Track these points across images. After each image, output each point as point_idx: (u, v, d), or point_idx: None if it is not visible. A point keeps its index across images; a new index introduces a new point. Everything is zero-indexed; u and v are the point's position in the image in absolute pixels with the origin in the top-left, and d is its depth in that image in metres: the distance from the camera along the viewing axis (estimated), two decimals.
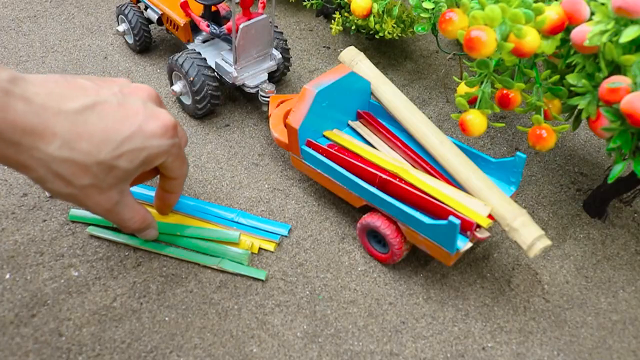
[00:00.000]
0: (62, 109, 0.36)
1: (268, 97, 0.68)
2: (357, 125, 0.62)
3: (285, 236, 0.58)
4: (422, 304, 0.54)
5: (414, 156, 0.57)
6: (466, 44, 0.47)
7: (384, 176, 0.53)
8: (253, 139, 0.70)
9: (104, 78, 0.44)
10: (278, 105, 0.67)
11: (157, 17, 0.76)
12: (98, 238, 0.57)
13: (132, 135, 0.39)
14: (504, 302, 0.54)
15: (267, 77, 0.70)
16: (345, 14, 0.81)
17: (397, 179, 0.54)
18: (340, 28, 0.80)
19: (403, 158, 0.58)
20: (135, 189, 0.59)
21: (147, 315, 0.51)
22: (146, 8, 0.78)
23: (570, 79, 0.50)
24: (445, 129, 0.73)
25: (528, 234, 0.49)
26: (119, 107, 0.39)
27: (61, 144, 0.36)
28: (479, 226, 0.50)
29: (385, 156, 0.57)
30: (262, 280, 0.55)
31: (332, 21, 0.81)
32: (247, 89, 0.69)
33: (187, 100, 0.71)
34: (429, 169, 0.56)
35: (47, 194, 0.61)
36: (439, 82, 0.80)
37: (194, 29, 0.74)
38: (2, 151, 0.35)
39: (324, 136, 0.61)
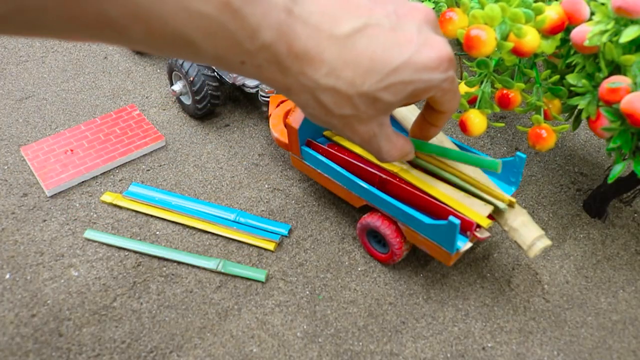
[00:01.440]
0: (333, 33, 0.33)
1: (268, 97, 0.68)
2: None
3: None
4: (422, 304, 0.54)
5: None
6: (466, 43, 0.47)
7: (384, 176, 0.53)
8: (253, 139, 0.70)
9: None
10: (278, 105, 0.67)
11: None
12: (94, 242, 0.57)
13: (401, 66, 0.35)
14: (504, 302, 0.54)
15: None
16: None
17: (397, 179, 0.54)
18: None
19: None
20: (134, 188, 0.59)
21: (147, 315, 0.51)
22: None
23: (570, 79, 0.50)
24: (445, 129, 0.73)
25: (528, 234, 0.49)
26: (391, 32, 0.35)
27: (328, 71, 0.33)
28: (479, 226, 0.50)
29: None
30: (263, 280, 0.55)
31: None
32: (247, 89, 0.69)
33: (187, 100, 0.71)
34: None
35: (47, 193, 0.62)
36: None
37: None
38: (271, 74, 0.33)
39: (324, 136, 0.61)
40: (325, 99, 0.34)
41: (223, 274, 0.55)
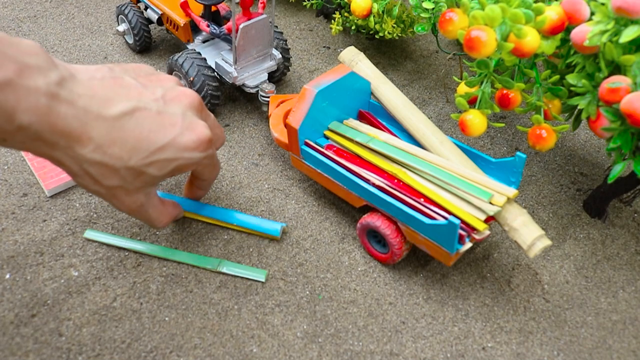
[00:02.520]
0: (101, 114, 0.36)
1: (268, 97, 0.68)
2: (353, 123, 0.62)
3: (262, 282, 0.55)
4: (422, 304, 0.54)
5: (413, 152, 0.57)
6: (466, 43, 0.47)
7: (377, 182, 0.53)
8: (253, 139, 0.70)
9: (152, 74, 0.43)
10: (278, 105, 0.67)
11: (157, 17, 0.76)
12: (94, 242, 0.57)
13: (165, 146, 0.39)
14: (504, 302, 0.54)
15: (267, 77, 0.70)
16: (345, 14, 0.81)
17: (395, 180, 0.54)
18: (340, 28, 0.80)
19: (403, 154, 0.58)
20: None
21: (147, 315, 0.51)
22: (146, 8, 0.78)
23: (570, 79, 0.50)
24: (445, 129, 0.73)
25: (528, 233, 0.49)
26: (157, 116, 0.39)
27: (95, 148, 0.37)
28: (474, 229, 0.50)
29: (389, 148, 0.57)
30: (263, 280, 0.55)
31: (332, 21, 0.81)
32: (247, 89, 0.69)
33: None
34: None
35: (47, 193, 0.61)
36: (439, 82, 0.80)
37: (194, 29, 0.74)
38: (38, 149, 0.36)
39: (324, 136, 0.61)
40: (93, 171, 0.38)
41: (223, 274, 0.55)
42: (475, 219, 0.50)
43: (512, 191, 0.51)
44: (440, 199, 0.52)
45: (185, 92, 0.43)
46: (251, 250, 0.57)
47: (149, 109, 0.39)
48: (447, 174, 0.53)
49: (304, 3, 0.88)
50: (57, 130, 0.35)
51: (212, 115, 0.47)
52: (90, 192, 0.40)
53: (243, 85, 0.69)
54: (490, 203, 0.50)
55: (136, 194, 0.41)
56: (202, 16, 0.71)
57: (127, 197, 0.41)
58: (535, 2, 0.47)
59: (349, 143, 0.59)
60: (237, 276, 0.54)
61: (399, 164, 0.56)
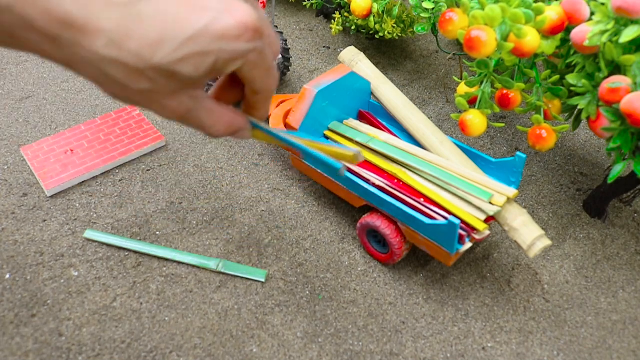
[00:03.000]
0: None
1: None
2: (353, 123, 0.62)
3: (262, 282, 0.55)
4: (422, 304, 0.54)
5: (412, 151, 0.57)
6: (466, 43, 0.47)
7: (377, 182, 0.53)
8: (253, 139, 0.70)
9: None
10: (278, 105, 0.67)
11: None
12: (94, 242, 0.57)
13: (197, 35, 0.31)
14: (504, 302, 0.54)
15: None
16: (345, 14, 0.81)
17: (395, 180, 0.54)
18: (340, 28, 0.80)
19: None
20: None
21: (147, 315, 0.51)
22: None
23: (570, 79, 0.50)
24: (445, 129, 0.73)
25: (528, 233, 0.49)
26: None
27: (107, 42, 0.30)
28: (474, 229, 0.50)
29: (389, 148, 0.57)
30: (263, 280, 0.55)
31: (332, 21, 0.81)
32: None
33: None
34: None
35: (47, 193, 0.61)
36: (439, 82, 0.80)
37: None
38: (39, 46, 0.30)
39: (324, 136, 0.61)
40: (114, 73, 0.31)
41: (223, 274, 0.55)
42: (475, 219, 0.50)
43: (512, 191, 0.51)
44: (440, 199, 0.52)
45: None
46: (251, 250, 0.57)
47: None
48: (447, 174, 0.53)
49: (304, 3, 0.87)
50: (54, 17, 0.29)
51: (262, 11, 0.37)
52: (125, 102, 0.33)
53: None
54: (490, 203, 0.50)
55: (178, 97, 0.34)
56: None
57: (168, 101, 0.34)
58: (535, 2, 0.47)
59: (349, 143, 0.59)
60: (237, 276, 0.54)
61: (399, 164, 0.56)
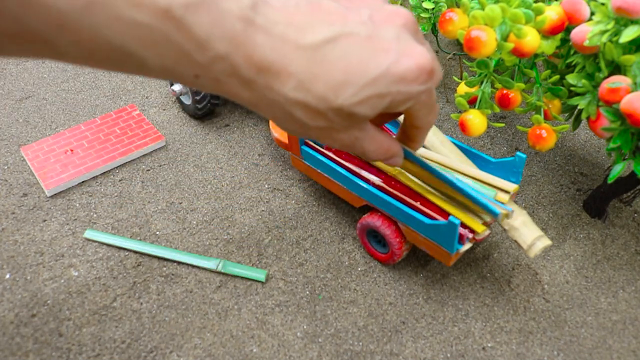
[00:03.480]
0: (301, 43, 0.31)
1: None
2: None
3: (263, 282, 0.55)
4: (422, 304, 0.54)
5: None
6: (466, 43, 0.47)
7: (377, 182, 0.53)
8: (253, 139, 0.70)
9: None
10: None
11: None
12: (94, 242, 0.57)
13: (378, 77, 0.32)
14: (504, 302, 0.54)
15: None
16: None
17: (393, 182, 0.54)
18: None
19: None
20: None
21: (147, 315, 0.51)
22: None
23: (570, 79, 0.50)
24: (445, 129, 0.73)
25: (528, 233, 0.49)
26: (367, 41, 0.33)
27: (296, 85, 0.31)
28: (472, 231, 0.50)
29: None
30: (263, 280, 0.55)
31: None
32: None
33: (187, 100, 0.71)
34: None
35: (47, 193, 0.61)
36: (439, 82, 0.80)
37: None
38: (233, 89, 0.31)
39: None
40: (297, 114, 0.33)
41: (223, 274, 0.55)
42: (474, 221, 0.50)
43: (512, 186, 0.51)
44: (439, 200, 0.52)
45: (398, 11, 0.35)
46: (251, 250, 0.57)
47: (356, 33, 0.32)
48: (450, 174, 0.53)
49: None
50: (254, 63, 0.30)
51: (428, 44, 0.39)
52: (297, 135, 0.35)
53: None
54: (495, 199, 0.50)
55: (350, 131, 0.35)
56: None
57: (340, 135, 0.35)
58: (535, 2, 0.47)
59: None
60: (237, 276, 0.54)
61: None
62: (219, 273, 0.55)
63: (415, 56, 0.34)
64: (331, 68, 0.32)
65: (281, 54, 0.30)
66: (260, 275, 0.54)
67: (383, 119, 0.43)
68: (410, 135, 0.42)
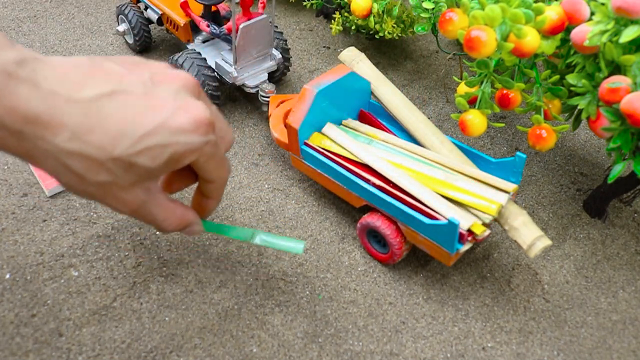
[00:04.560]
0: (73, 97, 0.32)
1: (268, 97, 0.68)
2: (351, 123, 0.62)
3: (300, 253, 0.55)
4: (422, 304, 0.54)
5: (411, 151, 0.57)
6: (466, 43, 0.47)
7: (377, 182, 0.53)
8: (253, 139, 0.70)
9: (139, 61, 0.38)
10: (278, 105, 0.67)
11: (157, 17, 0.76)
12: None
13: (155, 129, 0.33)
14: (504, 302, 0.54)
15: (267, 77, 0.70)
16: (345, 14, 0.81)
17: (391, 185, 0.54)
18: (340, 28, 0.80)
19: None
20: None
21: (147, 315, 0.51)
22: (146, 8, 0.78)
23: (570, 79, 0.50)
24: (445, 129, 0.73)
25: (528, 233, 0.49)
26: (143, 97, 0.34)
27: (70, 136, 0.32)
28: (472, 233, 0.50)
29: (389, 149, 0.57)
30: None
31: (332, 21, 0.81)
32: (247, 89, 0.69)
33: None
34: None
35: (47, 193, 0.61)
36: (439, 82, 0.80)
37: (194, 29, 0.74)
38: (5, 141, 0.31)
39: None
40: (75, 165, 0.32)
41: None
42: (474, 222, 0.50)
43: (512, 186, 0.51)
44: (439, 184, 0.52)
45: (179, 74, 0.37)
46: (251, 250, 0.57)
47: (133, 91, 0.34)
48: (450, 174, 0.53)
49: (304, 3, 0.88)
50: (19, 114, 0.30)
51: (214, 107, 0.40)
52: (78, 194, 0.35)
53: (243, 85, 0.69)
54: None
55: (133, 190, 0.35)
56: (202, 16, 0.71)
57: (123, 194, 0.35)
58: (535, 2, 0.47)
59: (339, 147, 0.58)
60: (273, 247, 0.50)
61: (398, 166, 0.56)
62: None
63: (191, 110, 0.35)
64: (107, 120, 0.32)
65: (51, 106, 0.31)
66: (298, 245, 0.48)
67: (176, 184, 0.43)
68: (206, 192, 0.42)
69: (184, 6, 0.70)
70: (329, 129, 0.59)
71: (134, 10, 0.77)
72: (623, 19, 0.43)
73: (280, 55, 0.71)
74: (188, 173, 0.41)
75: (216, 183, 0.42)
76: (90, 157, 0.32)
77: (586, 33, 0.46)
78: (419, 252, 0.58)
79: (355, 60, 0.64)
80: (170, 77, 0.36)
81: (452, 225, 0.46)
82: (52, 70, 0.32)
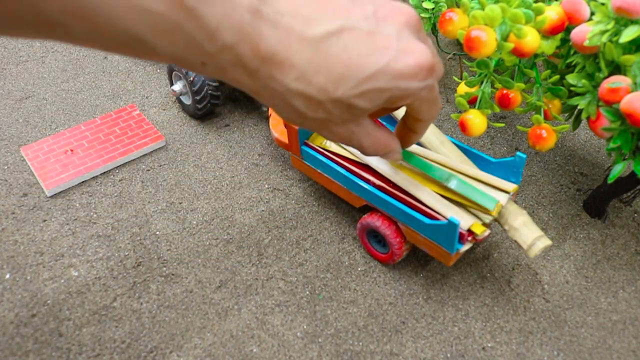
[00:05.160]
0: (305, 35, 0.32)
1: None
2: None
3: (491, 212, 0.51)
4: (422, 304, 0.54)
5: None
6: (466, 43, 0.47)
7: (377, 182, 0.53)
8: (253, 139, 0.70)
9: None
10: None
11: None
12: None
13: (377, 73, 0.33)
14: (504, 302, 0.54)
15: None
16: None
17: (391, 185, 0.54)
18: None
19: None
20: None
21: (147, 315, 0.51)
22: None
23: (570, 79, 0.50)
24: (445, 129, 0.73)
25: (528, 233, 0.49)
26: (368, 37, 0.33)
27: (298, 76, 0.32)
28: (471, 233, 0.50)
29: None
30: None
31: None
32: None
33: (187, 100, 0.71)
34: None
35: (47, 193, 0.61)
36: (439, 82, 0.80)
37: None
38: (237, 77, 0.32)
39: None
40: (297, 104, 0.33)
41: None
42: (474, 222, 0.50)
43: (512, 186, 0.51)
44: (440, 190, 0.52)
45: (402, 8, 0.36)
46: (251, 250, 0.57)
47: (358, 28, 0.33)
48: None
49: None
50: (260, 53, 0.31)
51: (430, 41, 0.38)
52: (296, 125, 0.36)
53: None
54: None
55: (347, 125, 0.36)
56: None
57: (337, 128, 0.36)
58: (535, 2, 0.47)
59: (338, 148, 0.58)
60: (466, 196, 0.50)
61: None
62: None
63: (415, 54, 0.34)
64: (332, 61, 0.32)
65: (286, 45, 0.31)
66: (490, 202, 0.48)
67: (381, 112, 0.43)
68: (412, 127, 0.42)
69: None
70: None
71: None
72: (623, 19, 0.43)
73: None
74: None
75: (424, 122, 0.41)
76: (312, 97, 0.33)
77: (586, 33, 0.46)
78: (419, 252, 0.58)
79: None
80: (394, 12, 0.35)
81: (452, 225, 0.46)
82: (286, 5, 0.31)
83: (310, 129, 0.36)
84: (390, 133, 0.41)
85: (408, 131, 0.42)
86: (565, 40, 0.51)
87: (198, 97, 0.68)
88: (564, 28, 0.48)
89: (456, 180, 0.50)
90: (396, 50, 0.34)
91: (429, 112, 0.39)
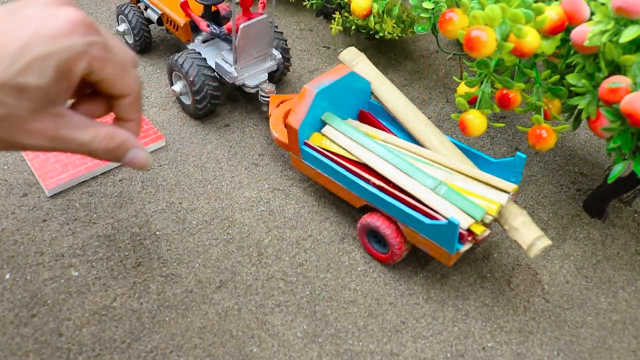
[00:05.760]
0: None
1: (268, 97, 0.68)
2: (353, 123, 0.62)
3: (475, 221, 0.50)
4: (422, 304, 0.54)
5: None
6: (466, 43, 0.47)
7: (377, 182, 0.53)
8: (253, 139, 0.70)
9: None
10: (278, 105, 0.67)
11: (157, 17, 0.76)
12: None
13: (30, 42, 0.31)
14: (504, 302, 0.54)
15: (267, 77, 0.70)
16: (345, 14, 0.81)
17: (391, 185, 0.54)
18: (340, 28, 0.80)
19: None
20: None
21: (147, 315, 0.51)
22: (146, 8, 0.78)
23: (570, 79, 0.50)
24: (445, 129, 0.73)
25: (528, 233, 0.49)
26: (10, 16, 0.32)
27: None
28: (471, 233, 0.50)
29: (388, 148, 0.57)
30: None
31: (332, 21, 0.81)
32: (247, 89, 0.69)
33: (187, 100, 0.71)
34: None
35: (47, 193, 0.61)
36: (439, 82, 0.80)
37: (194, 29, 0.74)
38: None
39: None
40: None
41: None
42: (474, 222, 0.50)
43: (512, 186, 0.51)
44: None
45: None
46: (251, 250, 0.57)
47: None
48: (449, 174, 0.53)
49: (304, 3, 0.88)
50: None
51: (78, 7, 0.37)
52: None
53: (243, 85, 0.69)
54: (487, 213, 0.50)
55: (40, 118, 0.32)
56: (202, 16, 0.71)
57: (31, 125, 0.32)
58: (535, 2, 0.47)
59: (338, 148, 0.58)
60: (457, 204, 0.50)
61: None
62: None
63: (62, 13, 0.33)
64: None
65: None
66: (477, 212, 0.48)
67: (87, 100, 0.38)
68: (120, 114, 0.37)
69: (184, 6, 0.70)
70: (329, 129, 0.59)
71: (134, 10, 0.77)
72: (623, 19, 0.43)
73: (280, 55, 0.71)
74: (99, 98, 0.37)
75: (127, 96, 0.36)
76: None
77: (586, 33, 0.46)
78: (419, 252, 0.58)
79: (355, 60, 0.64)
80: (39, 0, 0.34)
81: (452, 225, 0.46)
82: None
83: (3, 140, 0.32)
84: (112, 126, 0.36)
85: (120, 121, 0.37)
86: (565, 40, 0.51)
87: (198, 97, 0.68)
88: (564, 28, 0.48)
89: (445, 188, 0.50)
90: (41, 18, 0.32)
91: (121, 79, 0.35)
